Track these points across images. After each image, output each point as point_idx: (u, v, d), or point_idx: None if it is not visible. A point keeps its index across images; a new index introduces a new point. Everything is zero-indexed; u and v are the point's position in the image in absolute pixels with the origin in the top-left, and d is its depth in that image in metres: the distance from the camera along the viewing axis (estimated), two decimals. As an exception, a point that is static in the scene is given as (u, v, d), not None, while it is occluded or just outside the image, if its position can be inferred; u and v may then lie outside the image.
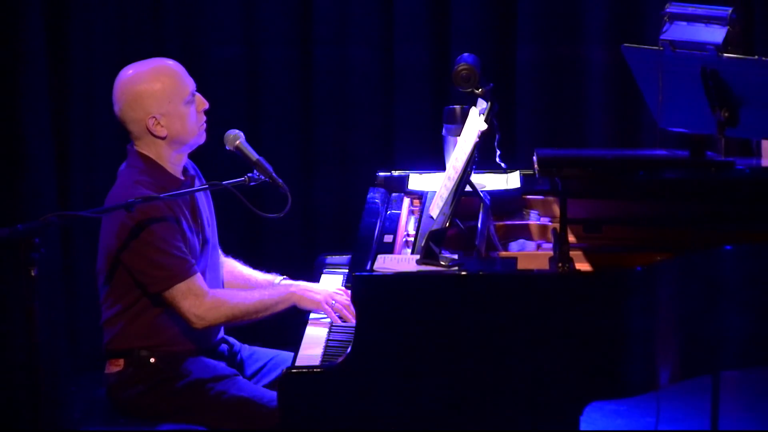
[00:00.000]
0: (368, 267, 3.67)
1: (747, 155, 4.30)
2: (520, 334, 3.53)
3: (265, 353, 4.15)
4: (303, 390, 3.54)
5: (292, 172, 5.65)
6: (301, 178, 5.83)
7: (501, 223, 4.19)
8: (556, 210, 4.21)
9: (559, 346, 3.53)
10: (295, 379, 3.55)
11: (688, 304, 3.67)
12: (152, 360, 3.86)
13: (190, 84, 3.91)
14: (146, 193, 3.75)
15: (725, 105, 3.89)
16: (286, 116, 5.83)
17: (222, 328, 4.05)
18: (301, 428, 3.56)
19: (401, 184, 4.48)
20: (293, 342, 3.88)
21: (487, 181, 4.38)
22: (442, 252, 3.68)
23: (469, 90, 4.07)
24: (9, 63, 5.33)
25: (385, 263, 3.69)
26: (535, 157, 3.75)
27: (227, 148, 3.95)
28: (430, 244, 3.66)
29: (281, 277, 4.16)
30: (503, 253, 3.97)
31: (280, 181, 3.89)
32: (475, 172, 4.14)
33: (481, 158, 4.05)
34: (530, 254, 4.03)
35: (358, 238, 3.99)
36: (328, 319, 3.94)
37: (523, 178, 4.39)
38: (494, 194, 4.24)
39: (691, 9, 3.92)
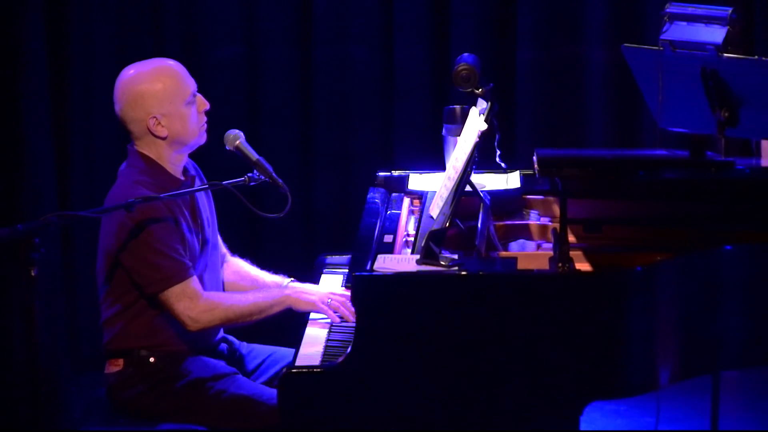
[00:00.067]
0: (368, 267, 3.67)
1: (747, 155, 4.30)
2: (520, 334, 3.53)
3: (264, 349, 4.15)
4: (303, 390, 3.54)
5: (292, 172, 5.64)
6: (301, 178, 5.82)
7: (501, 223, 4.19)
8: (556, 210, 4.21)
9: (559, 346, 3.53)
10: (295, 379, 3.55)
11: (688, 304, 3.67)
12: (152, 360, 3.86)
13: (191, 84, 3.91)
14: (146, 193, 3.75)
15: (725, 105, 3.89)
16: (286, 116, 5.82)
17: (222, 328, 4.05)
18: (301, 428, 3.56)
19: (401, 184, 4.48)
20: (293, 342, 3.88)
21: (487, 181, 4.38)
22: (442, 252, 3.68)
23: (469, 90, 4.07)
24: (9, 63, 5.33)
25: (385, 263, 3.69)
26: (535, 157, 3.75)
27: (227, 148, 3.95)
28: (430, 244, 3.66)
29: (289, 279, 4.16)
30: (503, 253, 3.97)
31: (280, 181, 3.89)
32: (475, 172, 4.14)
33: (481, 158, 4.05)
34: (530, 254, 4.03)
35: (358, 238, 3.99)
36: (329, 319, 3.94)
37: (523, 178, 4.39)
38: (494, 194, 4.24)
39: (691, 9, 3.92)
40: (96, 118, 5.68)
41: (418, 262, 3.67)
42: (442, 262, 3.64)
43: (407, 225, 4.17)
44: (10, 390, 5.24)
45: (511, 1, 5.70)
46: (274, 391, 3.75)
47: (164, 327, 3.85)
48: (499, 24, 5.74)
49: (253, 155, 3.92)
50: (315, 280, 4.25)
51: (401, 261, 3.72)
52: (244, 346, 4.15)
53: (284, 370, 3.59)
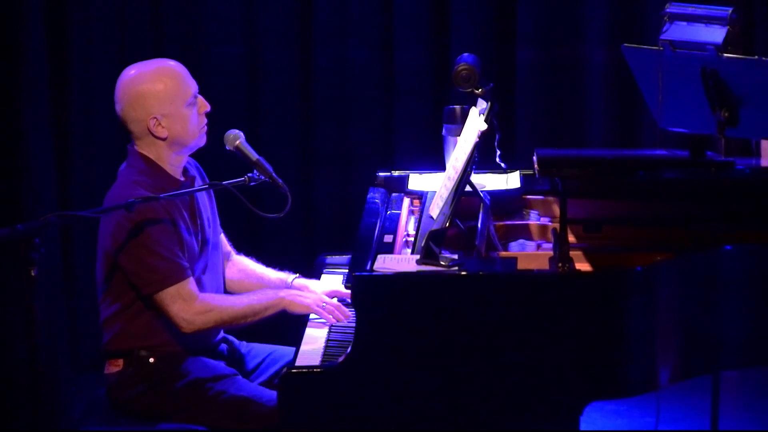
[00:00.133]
0: (368, 267, 3.67)
1: (747, 155, 4.30)
2: (520, 334, 3.53)
3: (263, 348, 4.16)
4: (303, 390, 3.54)
5: (292, 172, 5.65)
6: (301, 178, 5.83)
7: (501, 223, 4.19)
8: (556, 210, 4.21)
9: (559, 346, 3.53)
10: (295, 379, 3.55)
11: (688, 304, 3.67)
12: (151, 360, 3.86)
13: (192, 86, 3.91)
14: (144, 194, 3.74)
15: (725, 105, 3.89)
16: (286, 116, 5.82)
17: (222, 329, 4.05)
18: (301, 428, 3.56)
19: (401, 184, 4.48)
20: (293, 342, 3.88)
21: (487, 181, 4.38)
22: (442, 252, 3.68)
23: (469, 90, 4.07)
24: (9, 63, 5.33)
25: (385, 263, 3.69)
26: (535, 157, 3.75)
27: (227, 148, 3.95)
28: (430, 244, 3.66)
29: (294, 276, 4.17)
30: (503, 253, 3.97)
31: (280, 181, 3.89)
32: (475, 172, 4.14)
33: (481, 158, 4.05)
34: (530, 254, 4.03)
35: (358, 238, 3.99)
36: (337, 320, 3.94)
37: (523, 178, 4.39)
38: (494, 194, 4.24)
39: (691, 9, 3.92)
40: (96, 118, 5.68)
41: (418, 262, 3.67)
42: (442, 262, 3.64)
43: (407, 225, 4.17)
44: (10, 390, 5.24)
45: (511, 1, 5.70)
46: (273, 393, 3.76)
47: (164, 327, 3.85)
48: (499, 24, 5.74)
49: (253, 155, 3.92)
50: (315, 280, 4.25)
51: (401, 261, 3.72)
52: (244, 346, 4.15)
53: (284, 369, 3.59)
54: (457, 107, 4.39)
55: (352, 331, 3.57)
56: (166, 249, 3.78)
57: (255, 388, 3.91)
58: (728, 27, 3.84)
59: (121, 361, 3.89)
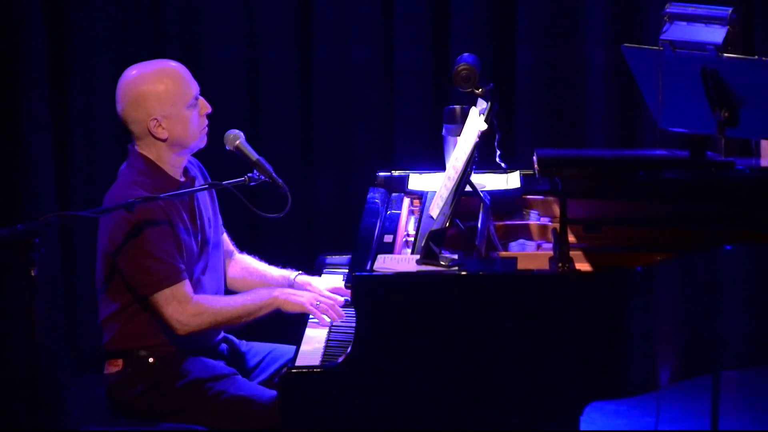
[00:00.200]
0: (368, 267, 3.67)
1: (747, 155, 4.30)
2: (520, 334, 3.53)
3: (263, 347, 4.16)
4: (303, 390, 3.54)
5: (292, 172, 5.64)
6: (301, 178, 5.82)
7: (501, 223, 4.19)
8: (556, 210, 4.21)
9: (559, 346, 3.53)
10: (295, 379, 3.55)
11: (688, 304, 3.67)
12: (151, 360, 3.86)
13: (193, 87, 3.91)
14: (143, 194, 3.74)
15: (725, 105, 3.89)
16: (286, 116, 5.82)
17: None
18: (301, 428, 3.56)
19: (401, 184, 4.48)
20: (293, 342, 3.88)
21: (487, 181, 4.38)
22: (442, 252, 3.68)
23: (469, 90, 4.07)
24: (9, 63, 5.33)
25: (385, 263, 3.69)
26: (535, 157, 3.76)
27: (227, 148, 3.95)
28: (430, 244, 3.66)
29: (296, 273, 4.17)
30: (503, 253, 3.97)
31: (280, 181, 3.89)
32: (475, 172, 4.14)
33: (481, 158, 4.05)
34: (530, 254, 4.03)
35: (358, 238, 3.99)
36: (329, 319, 3.94)
37: (523, 178, 4.39)
38: (494, 194, 4.24)
39: (691, 9, 3.92)
40: (96, 118, 5.68)
41: (418, 262, 3.67)
42: (442, 262, 3.64)
43: (407, 225, 4.17)
44: (10, 390, 5.24)
45: (511, 1, 5.70)
46: (273, 392, 3.76)
47: (163, 327, 3.85)
48: (499, 24, 5.74)
49: (253, 155, 3.92)
50: (315, 281, 4.25)
51: (401, 261, 3.72)
52: (244, 344, 4.16)
53: (284, 369, 3.59)
54: (457, 107, 4.39)
55: (352, 331, 3.57)
56: (162, 251, 3.78)
57: (255, 387, 3.91)
58: (728, 27, 3.84)
59: (120, 361, 3.89)
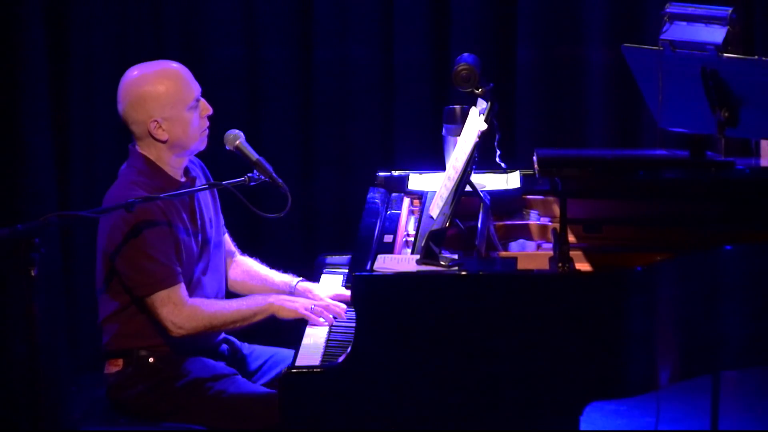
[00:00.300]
0: (368, 267, 3.67)
1: (747, 155, 4.30)
2: (520, 334, 3.53)
3: (265, 351, 4.16)
4: (303, 390, 3.54)
5: (292, 172, 5.64)
6: (301, 178, 5.83)
7: (501, 223, 4.19)
8: (556, 210, 4.21)
9: (559, 346, 3.53)
10: (295, 379, 3.55)
11: (688, 304, 3.67)
12: (151, 360, 3.86)
13: (195, 89, 3.91)
14: (142, 195, 3.74)
15: (725, 105, 3.89)
16: (286, 116, 5.82)
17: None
18: (301, 428, 3.56)
19: (401, 184, 4.48)
20: (293, 342, 3.88)
21: (487, 181, 4.37)
22: (442, 252, 3.68)
23: (469, 90, 4.07)
24: (9, 63, 5.32)
25: (385, 263, 3.69)
26: (535, 157, 3.76)
27: (227, 148, 3.95)
28: (430, 244, 3.66)
29: (298, 279, 4.16)
30: (503, 253, 3.97)
31: (280, 181, 3.89)
32: (475, 172, 4.14)
33: (481, 158, 4.05)
34: (530, 254, 4.03)
35: (358, 238, 3.99)
36: (326, 321, 3.94)
37: (523, 178, 4.39)
38: (494, 194, 4.24)
39: (691, 9, 3.92)
40: (96, 118, 5.68)
41: (418, 262, 3.67)
42: (442, 262, 3.64)
43: (407, 225, 4.17)
44: (10, 390, 5.24)
45: (511, 1, 5.70)
46: (273, 392, 3.76)
47: (163, 327, 3.85)
48: (499, 24, 5.74)
49: (253, 155, 3.92)
50: (315, 280, 4.25)
51: (401, 261, 3.72)
52: (246, 347, 4.15)
53: (284, 370, 3.59)
54: (457, 107, 4.39)
55: (352, 331, 3.57)
56: (159, 252, 3.78)
57: (255, 387, 3.91)
58: (728, 27, 3.84)
59: (120, 361, 3.89)
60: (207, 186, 3.89)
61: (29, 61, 5.35)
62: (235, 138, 3.93)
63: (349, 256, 4.25)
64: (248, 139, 3.96)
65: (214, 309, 3.86)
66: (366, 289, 3.55)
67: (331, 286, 4.17)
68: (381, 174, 4.53)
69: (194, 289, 3.90)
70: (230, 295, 4.12)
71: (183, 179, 3.95)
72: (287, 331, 4.06)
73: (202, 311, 3.83)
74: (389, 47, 5.76)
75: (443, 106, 4.49)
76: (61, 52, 5.59)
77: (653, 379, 3.62)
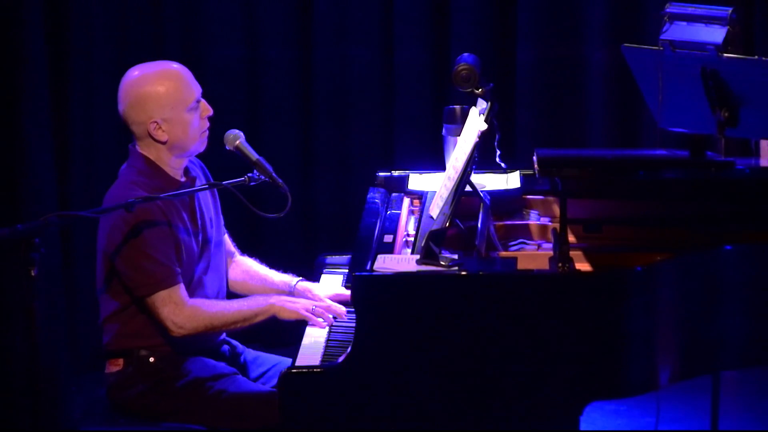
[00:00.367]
0: (368, 267, 3.67)
1: (747, 155, 4.30)
2: (520, 334, 3.53)
3: (268, 358, 4.15)
4: (303, 390, 3.54)
5: (292, 172, 5.64)
6: (301, 178, 5.83)
7: (501, 223, 4.19)
8: (556, 210, 4.21)
9: (559, 346, 3.53)
10: (295, 379, 3.55)
11: (688, 304, 3.67)
12: (152, 360, 3.86)
13: (195, 90, 3.90)
14: (142, 195, 3.74)
15: (725, 105, 3.89)
16: (286, 116, 5.83)
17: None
18: (301, 428, 3.56)
19: (401, 184, 4.48)
20: (293, 342, 3.88)
21: (487, 181, 4.37)
22: (442, 252, 3.68)
23: (469, 90, 4.06)
24: (9, 64, 5.33)
25: (385, 263, 3.69)
26: (535, 157, 3.76)
27: (227, 148, 3.95)
28: (430, 244, 3.66)
29: (297, 279, 4.16)
30: (503, 253, 3.97)
31: (280, 181, 3.89)
32: (475, 172, 4.14)
33: (481, 158, 4.05)
34: (530, 254, 4.03)
35: (358, 238, 3.99)
36: (326, 323, 3.94)
37: (523, 178, 4.39)
38: (494, 194, 4.24)
39: (691, 9, 3.92)
40: (96, 118, 5.68)
41: (418, 262, 3.67)
42: (442, 262, 3.64)
43: (407, 225, 4.17)
44: (10, 390, 5.24)
45: (511, 1, 5.70)
46: (273, 392, 3.76)
47: (163, 327, 3.85)
48: (499, 24, 5.74)
49: (253, 155, 3.92)
50: (315, 280, 4.24)
51: (401, 261, 3.72)
52: (250, 353, 4.15)
53: (285, 369, 3.59)
54: (457, 107, 4.39)
55: (352, 331, 3.57)
56: (159, 252, 3.78)
57: (255, 386, 3.91)
58: (728, 27, 3.84)
59: (121, 361, 3.89)
60: (207, 186, 3.89)
61: (29, 61, 5.35)
62: (235, 138, 3.93)
63: (349, 256, 4.25)
64: (248, 139, 3.95)
65: (215, 309, 3.86)
66: (366, 289, 3.55)
67: (331, 286, 4.17)
68: (381, 174, 4.53)
69: (195, 288, 3.90)
70: (230, 295, 4.12)
71: (183, 179, 3.95)
72: (287, 331, 4.06)
73: (203, 311, 3.83)
74: (389, 47, 5.76)
75: (443, 106, 4.49)
76: (61, 52, 5.59)
77: (653, 379, 3.62)
